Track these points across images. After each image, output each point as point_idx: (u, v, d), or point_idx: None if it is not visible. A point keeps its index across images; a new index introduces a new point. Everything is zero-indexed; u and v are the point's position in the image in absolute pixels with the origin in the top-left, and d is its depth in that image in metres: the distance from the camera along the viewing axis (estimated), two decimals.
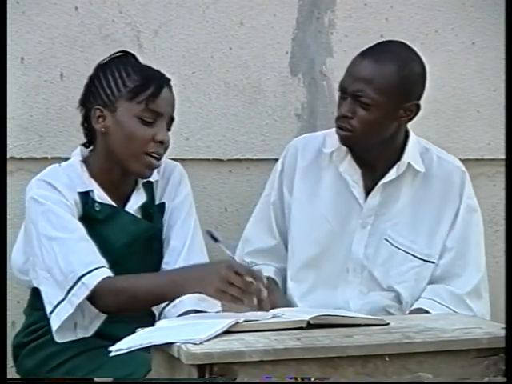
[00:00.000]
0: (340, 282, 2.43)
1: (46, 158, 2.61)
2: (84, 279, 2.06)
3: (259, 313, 1.91)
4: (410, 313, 2.36)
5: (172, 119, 2.25)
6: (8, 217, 2.44)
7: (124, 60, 2.26)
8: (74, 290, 2.06)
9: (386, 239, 2.42)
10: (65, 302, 2.08)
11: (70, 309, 2.07)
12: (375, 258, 2.42)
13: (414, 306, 2.39)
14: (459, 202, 2.43)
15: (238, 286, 1.91)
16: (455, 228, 2.42)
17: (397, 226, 2.42)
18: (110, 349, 1.75)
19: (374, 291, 2.43)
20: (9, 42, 2.47)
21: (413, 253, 2.41)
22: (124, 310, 2.08)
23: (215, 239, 2.06)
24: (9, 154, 2.53)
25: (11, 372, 2.35)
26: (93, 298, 2.07)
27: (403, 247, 2.41)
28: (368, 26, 2.86)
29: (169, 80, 2.25)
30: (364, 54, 2.33)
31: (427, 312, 2.32)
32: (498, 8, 2.85)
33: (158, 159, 2.21)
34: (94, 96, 2.23)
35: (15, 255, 2.30)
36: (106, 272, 2.08)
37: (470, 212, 2.44)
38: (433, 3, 2.93)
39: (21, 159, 2.60)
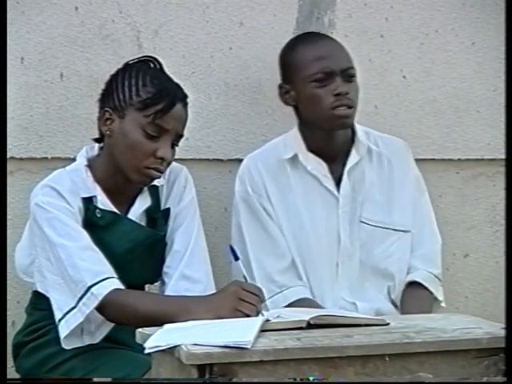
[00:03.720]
0: (332, 278, 2.47)
1: (46, 158, 2.61)
2: (93, 289, 2.05)
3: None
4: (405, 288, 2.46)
5: (180, 136, 2.22)
6: (8, 217, 2.44)
7: (146, 67, 2.24)
8: (84, 299, 2.06)
9: (362, 221, 2.48)
10: (75, 310, 2.08)
11: (81, 317, 2.07)
12: (358, 243, 2.47)
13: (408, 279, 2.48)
14: (412, 173, 2.56)
15: (249, 302, 1.95)
16: (414, 199, 2.54)
17: (370, 206, 2.49)
18: (145, 345, 1.72)
19: (368, 281, 2.48)
20: (9, 42, 2.47)
21: (390, 227, 2.49)
22: (127, 324, 2.07)
23: (236, 257, 2.06)
24: (9, 154, 2.53)
25: (11, 372, 2.35)
26: (100, 307, 2.07)
27: (380, 224, 2.48)
28: (368, 25, 2.86)
29: (185, 97, 2.22)
30: (317, 37, 2.51)
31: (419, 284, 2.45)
32: (498, 8, 2.85)
33: (159, 172, 2.19)
34: (108, 96, 2.22)
35: (19, 256, 2.29)
36: (115, 283, 2.08)
37: (419, 182, 2.58)
38: (433, 3, 2.92)
39: (21, 159, 2.60)
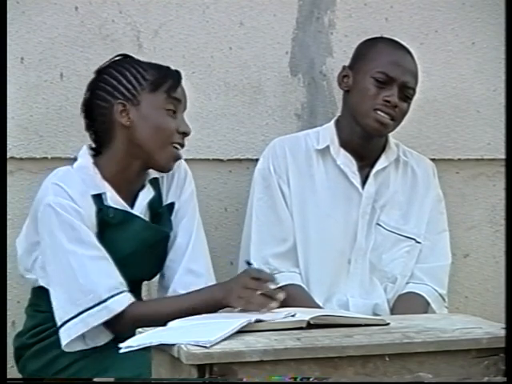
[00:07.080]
0: (342, 274, 2.49)
1: (46, 158, 2.61)
2: (108, 303, 2.05)
3: (271, 313, 1.93)
4: (400, 296, 2.47)
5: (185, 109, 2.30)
6: (8, 217, 2.44)
7: (132, 59, 2.30)
8: (92, 311, 2.05)
9: (379, 224, 2.50)
10: (76, 320, 2.06)
11: (84, 328, 2.07)
12: (371, 244, 2.49)
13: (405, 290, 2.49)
14: (434, 191, 2.59)
15: (256, 290, 1.96)
16: (432, 215, 2.57)
17: (388, 212, 2.51)
18: (120, 345, 1.74)
19: (374, 281, 2.49)
20: (9, 42, 2.47)
21: (404, 234, 2.51)
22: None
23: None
24: (9, 154, 2.53)
25: (11, 372, 2.35)
26: (111, 321, 2.06)
27: (394, 230, 2.51)
28: (368, 26, 2.86)
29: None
30: (402, 48, 2.49)
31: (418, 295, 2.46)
32: (498, 8, 2.85)
33: (180, 149, 2.24)
34: (113, 91, 2.22)
35: (22, 253, 2.27)
36: (130, 297, 2.09)
37: (440, 202, 2.61)
38: (433, 3, 2.93)
39: (21, 159, 2.60)
